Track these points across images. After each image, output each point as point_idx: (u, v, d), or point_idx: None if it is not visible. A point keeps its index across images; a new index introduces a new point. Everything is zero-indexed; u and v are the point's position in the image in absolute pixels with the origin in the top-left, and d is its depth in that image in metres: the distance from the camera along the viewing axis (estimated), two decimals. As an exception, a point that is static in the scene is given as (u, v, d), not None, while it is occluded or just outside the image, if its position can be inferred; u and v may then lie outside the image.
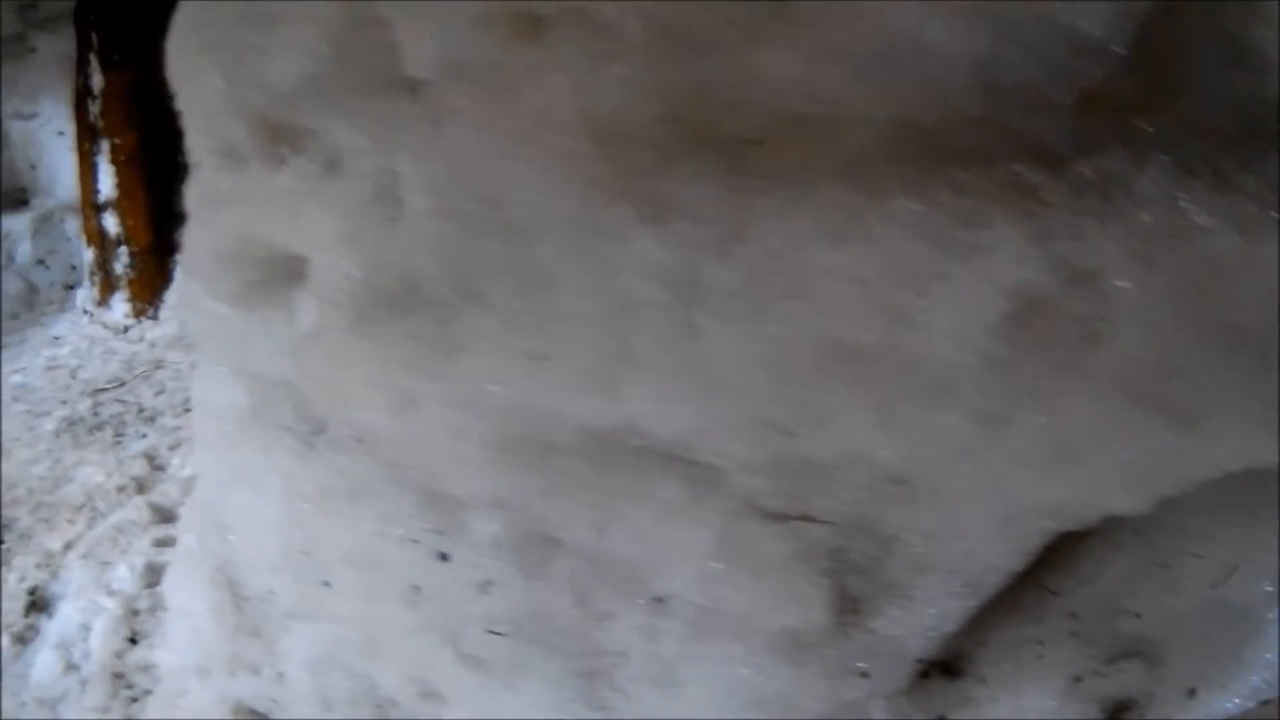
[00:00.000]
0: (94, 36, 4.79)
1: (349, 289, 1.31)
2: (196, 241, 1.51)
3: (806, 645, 1.39)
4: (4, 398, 4.64)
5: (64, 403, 4.40)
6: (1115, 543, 1.45)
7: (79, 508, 3.48)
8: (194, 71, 1.42)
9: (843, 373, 1.13)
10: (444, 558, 1.41)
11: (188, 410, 4.08)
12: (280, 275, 1.43)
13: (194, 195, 1.52)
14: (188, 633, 1.97)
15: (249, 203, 1.42)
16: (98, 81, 4.74)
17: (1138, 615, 1.49)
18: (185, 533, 1.98)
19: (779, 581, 1.35)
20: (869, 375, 1.14)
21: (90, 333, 4.89)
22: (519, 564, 1.35)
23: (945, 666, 1.56)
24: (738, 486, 1.26)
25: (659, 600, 1.39)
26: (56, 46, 6.02)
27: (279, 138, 1.37)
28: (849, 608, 1.41)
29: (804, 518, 1.30)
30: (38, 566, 3.28)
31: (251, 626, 1.78)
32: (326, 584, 1.53)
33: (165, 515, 3.29)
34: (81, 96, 4.78)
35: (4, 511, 3.70)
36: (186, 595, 1.98)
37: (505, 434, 1.27)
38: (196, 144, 1.48)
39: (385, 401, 1.33)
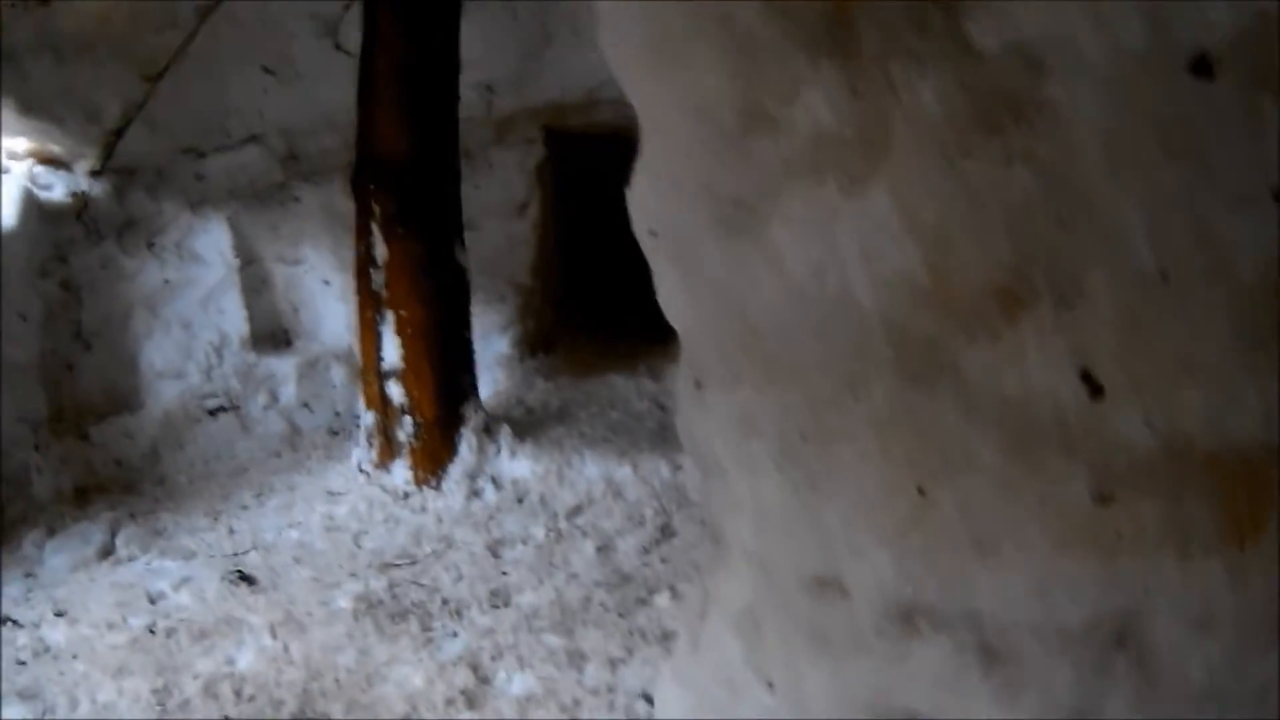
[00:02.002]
0: (375, 206, 4.80)
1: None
2: (805, 680, 1.47)
3: None
4: (285, 557, 4.66)
5: (353, 575, 4.35)
6: None
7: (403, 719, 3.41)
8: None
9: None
10: None
11: (495, 606, 4.03)
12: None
13: (767, 616, 1.48)
14: None
15: (868, 658, 1.46)
16: (381, 251, 4.75)
17: None
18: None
19: None
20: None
21: (368, 494, 4.89)
22: None
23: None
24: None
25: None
26: (319, 196, 6.23)
27: (917, 611, 1.35)
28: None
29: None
30: (367, 779, 3.19)
31: None
32: None
33: (506, 742, 3.20)
34: (363, 264, 4.78)
35: (314, 704, 3.63)
36: None
37: None
38: (776, 565, 1.44)
39: None
